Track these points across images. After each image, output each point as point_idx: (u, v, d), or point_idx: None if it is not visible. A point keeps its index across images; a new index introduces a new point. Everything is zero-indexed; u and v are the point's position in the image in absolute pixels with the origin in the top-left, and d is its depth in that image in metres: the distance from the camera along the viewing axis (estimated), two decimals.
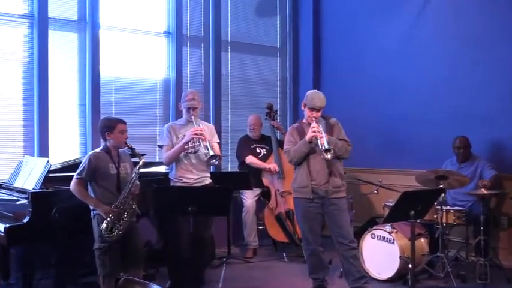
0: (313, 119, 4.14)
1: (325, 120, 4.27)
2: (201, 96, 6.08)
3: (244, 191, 5.70)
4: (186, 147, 4.18)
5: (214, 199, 3.74)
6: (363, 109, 6.36)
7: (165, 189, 3.97)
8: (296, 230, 5.42)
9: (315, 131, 4.03)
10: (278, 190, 5.67)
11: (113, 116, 4.76)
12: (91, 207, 3.80)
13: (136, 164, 3.89)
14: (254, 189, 5.61)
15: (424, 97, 5.77)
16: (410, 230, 3.83)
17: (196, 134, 4.09)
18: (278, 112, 6.35)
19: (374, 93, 6.29)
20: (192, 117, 4.22)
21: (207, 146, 4.04)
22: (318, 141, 4.01)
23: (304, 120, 4.31)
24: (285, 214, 5.57)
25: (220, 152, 4.65)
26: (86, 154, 4.98)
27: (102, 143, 3.97)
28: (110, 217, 3.68)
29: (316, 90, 4.31)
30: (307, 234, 4.20)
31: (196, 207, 3.60)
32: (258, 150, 5.88)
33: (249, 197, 5.70)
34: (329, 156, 3.95)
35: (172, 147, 4.23)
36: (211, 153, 4.00)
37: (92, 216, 3.81)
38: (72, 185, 3.79)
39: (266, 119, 6.04)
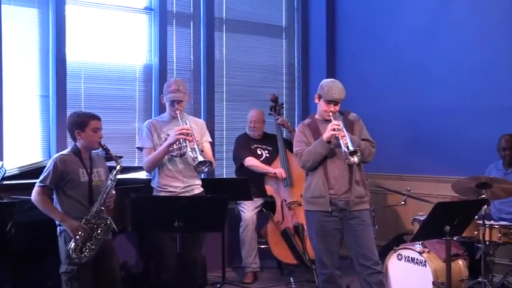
0: (331, 114, 4.12)
1: (343, 116, 4.25)
2: (189, 86, 6.09)
3: (242, 201, 5.69)
4: (170, 149, 4.17)
5: (205, 211, 3.73)
6: (386, 102, 6.36)
7: (146, 199, 3.96)
8: (307, 248, 5.41)
9: (335, 129, 4.00)
10: (285, 200, 5.67)
11: (83, 110, 4.73)
12: (57, 222, 3.79)
13: (112, 169, 3.87)
14: (255, 199, 5.61)
15: (462, 87, 5.75)
16: (445, 249, 3.81)
17: (182, 134, 4.08)
18: (284, 106, 6.33)
19: (400, 82, 6.28)
20: (177, 112, 4.22)
21: (195, 149, 4.03)
22: (340, 141, 3.97)
23: (317, 116, 4.29)
24: (293, 230, 5.56)
25: (214, 155, 4.64)
26: (50, 157, 4.97)
27: (71, 143, 3.96)
28: (80, 235, 3.67)
29: (333, 79, 4.29)
30: (322, 255, 4.17)
31: (184, 221, 3.59)
32: (260, 152, 5.88)
33: (249, 209, 5.69)
34: (356, 159, 3.93)
35: (154, 149, 4.22)
36: (200, 158, 3.98)
37: (58, 233, 3.80)
38: (34, 195, 3.77)
39: (270, 114, 6.04)
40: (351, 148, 3.90)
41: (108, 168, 3.99)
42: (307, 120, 4.36)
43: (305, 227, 5.33)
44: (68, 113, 5.32)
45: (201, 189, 4.34)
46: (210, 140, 4.47)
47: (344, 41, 6.86)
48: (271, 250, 5.67)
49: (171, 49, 6.06)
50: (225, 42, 6.46)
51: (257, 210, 5.74)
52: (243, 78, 6.59)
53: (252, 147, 5.89)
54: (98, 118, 3.90)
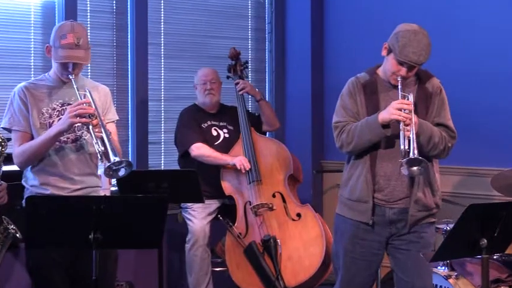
0: (399, 79, 3.93)
1: (418, 84, 4.09)
2: (111, 35, 6.05)
3: (189, 204, 5.72)
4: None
5: (135, 219, 3.69)
6: None
7: (46, 200, 3.88)
8: (281, 272, 5.45)
9: (401, 109, 3.82)
10: (249, 203, 5.72)
11: None
12: None
13: None
14: (207, 201, 5.61)
15: (503, 52, 5.81)
16: (481, 273, 3.85)
17: (80, 116, 3.88)
18: (250, 65, 6.32)
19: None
20: (71, 77, 4.04)
21: (103, 140, 3.84)
22: (402, 132, 3.82)
23: (381, 72, 4.10)
24: (261, 245, 5.59)
25: (147, 138, 4.54)
26: None
27: None
28: None
29: (417, 29, 3.93)
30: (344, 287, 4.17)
31: (103, 233, 3.56)
32: (215, 132, 5.92)
33: (199, 216, 5.73)
34: (415, 170, 3.80)
35: (31, 135, 4.06)
36: (114, 158, 3.78)
37: None
38: None
39: (228, 77, 6.07)
40: (412, 155, 3.77)
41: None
42: (363, 76, 4.15)
43: (278, 241, 5.37)
44: None
45: (108, 191, 4.29)
46: (117, 118, 4.34)
47: None
48: (230, 275, 5.70)
49: None
50: None
51: (211, 217, 5.78)
52: (189, 25, 6.59)
53: (204, 125, 5.89)
54: None
